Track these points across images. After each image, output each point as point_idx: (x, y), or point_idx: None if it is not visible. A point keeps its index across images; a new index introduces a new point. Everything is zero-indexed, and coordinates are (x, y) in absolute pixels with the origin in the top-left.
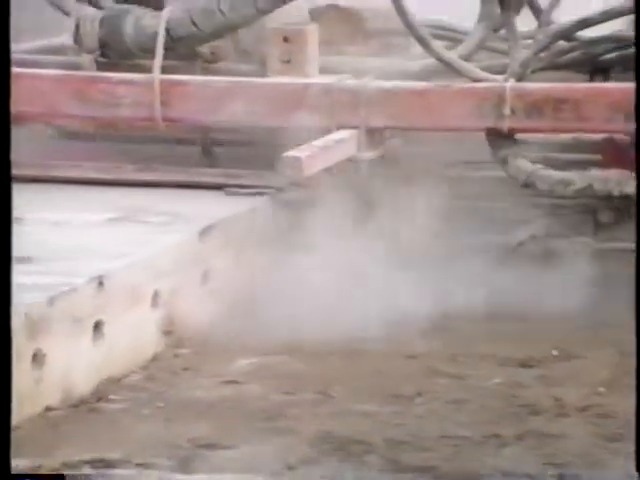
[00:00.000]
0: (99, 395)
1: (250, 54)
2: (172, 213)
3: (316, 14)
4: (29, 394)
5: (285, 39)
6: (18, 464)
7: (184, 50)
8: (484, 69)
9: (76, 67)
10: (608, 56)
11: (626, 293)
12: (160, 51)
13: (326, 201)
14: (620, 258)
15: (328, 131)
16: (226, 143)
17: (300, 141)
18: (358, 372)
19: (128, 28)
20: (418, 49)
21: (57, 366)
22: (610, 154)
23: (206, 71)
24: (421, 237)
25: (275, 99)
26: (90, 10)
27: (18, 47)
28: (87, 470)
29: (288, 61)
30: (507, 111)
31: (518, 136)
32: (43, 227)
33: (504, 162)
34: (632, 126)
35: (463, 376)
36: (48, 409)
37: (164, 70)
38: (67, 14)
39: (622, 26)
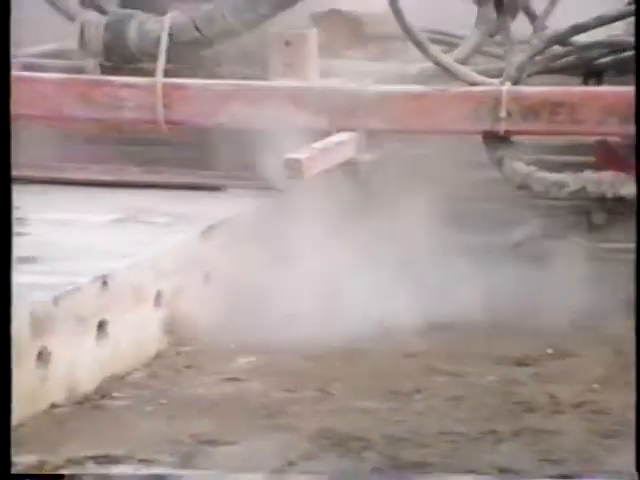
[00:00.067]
0: (103, 392)
1: (252, 58)
2: (175, 214)
3: (317, 19)
4: (34, 392)
5: (286, 43)
6: (24, 460)
7: (187, 55)
8: (480, 73)
9: (80, 71)
10: (602, 60)
11: (619, 291)
12: (163, 55)
13: (326, 201)
14: (613, 258)
15: (328, 133)
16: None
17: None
18: (355, 370)
19: (132, 33)
20: (416, 53)
21: (62, 364)
22: (603, 156)
23: (209, 75)
24: (418, 238)
25: (276, 102)
26: (94, 15)
27: (25, 51)
28: (91, 465)
29: (289, 65)
30: (503, 114)
31: (513, 138)
32: (48, 227)
33: (500, 164)
34: (626, 129)
35: (461, 374)
36: (53, 406)
37: (167, 74)
38: (71, 19)
39: (620, 31)
